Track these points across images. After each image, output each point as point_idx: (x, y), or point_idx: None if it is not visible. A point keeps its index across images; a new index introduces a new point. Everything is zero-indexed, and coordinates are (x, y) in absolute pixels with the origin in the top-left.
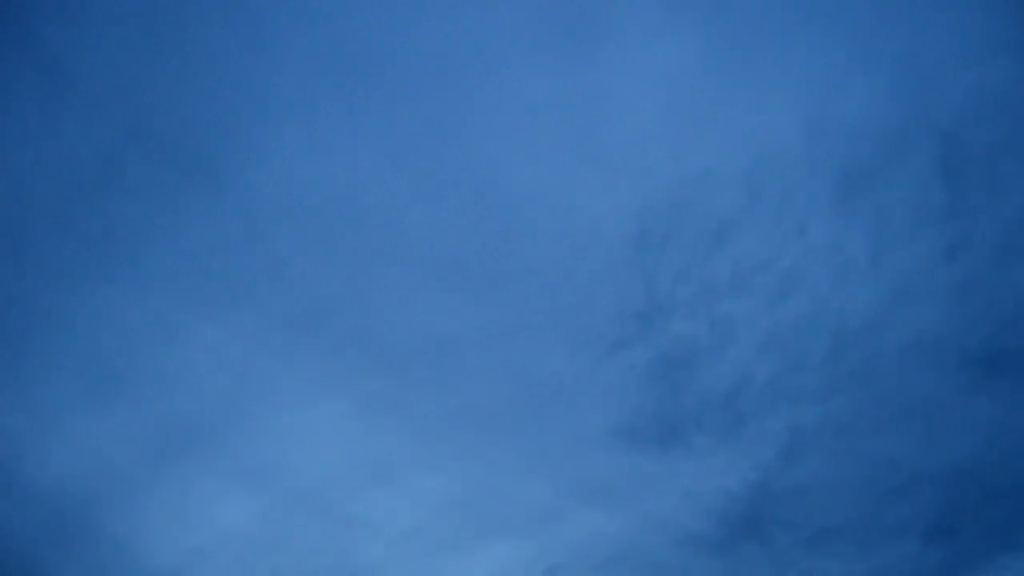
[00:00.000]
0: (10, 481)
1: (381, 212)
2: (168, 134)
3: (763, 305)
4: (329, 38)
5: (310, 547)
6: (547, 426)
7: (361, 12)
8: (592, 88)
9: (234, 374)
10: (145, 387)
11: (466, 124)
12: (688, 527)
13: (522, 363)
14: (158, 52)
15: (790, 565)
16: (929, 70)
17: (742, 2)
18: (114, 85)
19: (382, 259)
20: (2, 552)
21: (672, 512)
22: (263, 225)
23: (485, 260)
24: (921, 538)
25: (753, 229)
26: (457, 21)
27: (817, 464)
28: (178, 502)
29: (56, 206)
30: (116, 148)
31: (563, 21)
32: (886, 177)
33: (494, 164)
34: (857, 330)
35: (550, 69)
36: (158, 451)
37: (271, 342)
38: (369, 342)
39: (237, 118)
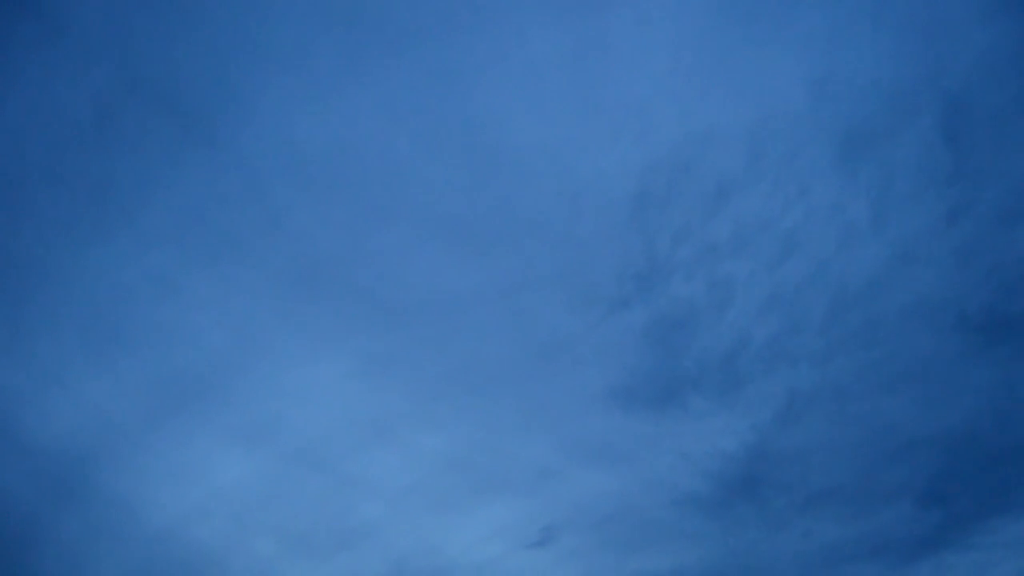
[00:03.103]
0: (10, 437)
1: (380, 168)
2: (164, 87)
3: (763, 266)
4: None
5: (309, 504)
6: (546, 386)
7: None
8: (596, 44)
9: (233, 331)
10: (144, 343)
11: (467, 78)
12: (685, 487)
13: (521, 322)
14: (153, 3)
15: (785, 526)
16: (937, 30)
17: None
18: (108, 37)
19: (382, 215)
20: (3, 508)
21: (669, 472)
22: (261, 180)
23: (485, 218)
24: (916, 501)
25: (755, 189)
26: None
27: (814, 426)
28: (178, 458)
29: (51, 161)
30: (111, 102)
31: None
32: (890, 139)
33: (495, 120)
34: (857, 293)
35: (554, 22)
36: (157, 407)
37: (270, 298)
38: (369, 299)
39: (234, 70)
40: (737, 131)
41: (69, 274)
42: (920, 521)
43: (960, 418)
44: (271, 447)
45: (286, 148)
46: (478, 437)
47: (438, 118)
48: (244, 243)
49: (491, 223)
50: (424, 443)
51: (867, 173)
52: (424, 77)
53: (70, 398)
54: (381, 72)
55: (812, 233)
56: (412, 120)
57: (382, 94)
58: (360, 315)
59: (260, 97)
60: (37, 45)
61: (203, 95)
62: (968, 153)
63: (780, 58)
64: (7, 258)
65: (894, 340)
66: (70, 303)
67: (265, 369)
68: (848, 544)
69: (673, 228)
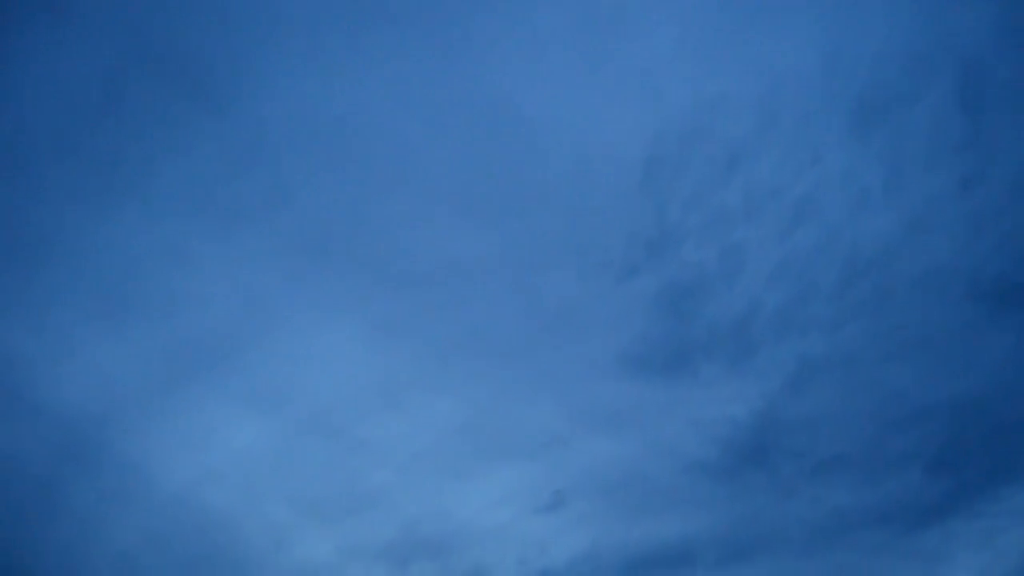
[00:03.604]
0: (24, 403)
1: (389, 135)
2: (172, 59)
3: (775, 234)
4: None
5: (320, 469)
6: (555, 352)
7: None
8: (606, 12)
9: (244, 298)
10: (155, 310)
11: (477, 47)
12: (694, 454)
13: (531, 289)
14: None
15: (794, 493)
16: None
17: None
18: (117, 9)
19: (390, 183)
20: (19, 472)
21: (678, 439)
22: (270, 149)
23: (494, 185)
24: (924, 469)
25: (767, 156)
26: None
27: (824, 394)
28: (189, 424)
29: (61, 131)
30: (120, 74)
31: None
32: (904, 105)
33: (505, 88)
34: (869, 260)
35: None
36: (169, 374)
37: (280, 266)
38: (378, 267)
39: (243, 42)
40: (749, 98)
41: (81, 244)
42: (928, 489)
43: (970, 386)
44: (282, 413)
45: (295, 118)
46: (488, 403)
47: (447, 87)
48: (254, 212)
49: (500, 191)
50: (434, 409)
51: (880, 140)
52: (433, 47)
53: (83, 365)
54: (390, 43)
55: (824, 200)
56: (421, 90)
57: (391, 65)
58: (370, 283)
59: (269, 68)
60: (45, 18)
61: (211, 66)
62: (983, 120)
63: (793, 24)
64: (20, 229)
65: (905, 308)
66: (82, 272)
67: (276, 336)
68: (856, 511)
69: (684, 195)
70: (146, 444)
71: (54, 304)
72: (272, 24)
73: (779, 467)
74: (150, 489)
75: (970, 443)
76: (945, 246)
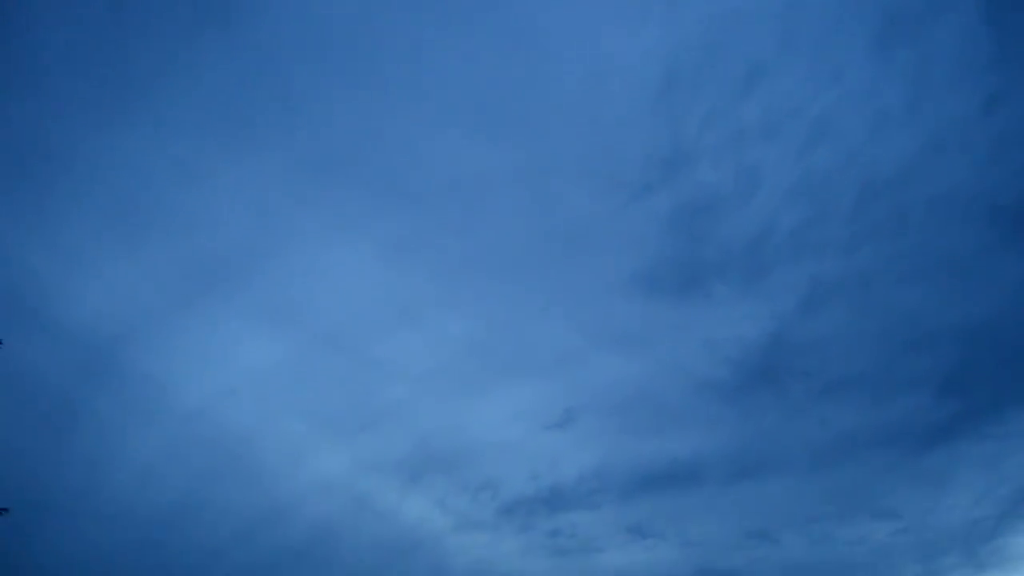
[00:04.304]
0: (42, 321)
1: (401, 49)
2: None
3: (792, 153)
4: None
5: (335, 386)
6: (569, 271)
7: None
8: None
9: (256, 215)
10: (168, 228)
11: None
12: (704, 374)
13: (545, 207)
14: None
15: (803, 413)
16: None
17: None
18: None
19: (403, 97)
20: (42, 389)
21: (689, 359)
22: (279, 62)
23: (509, 100)
24: (934, 391)
25: (786, 73)
26: None
27: (836, 316)
28: (205, 340)
29: (69, 48)
30: None
31: None
32: (930, 22)
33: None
34: (888, 181)
35: None
36: (183, 291)
37: (293, 182)
38: (391, 182)
39: None
40: (770, 11)
41: (92, 160)
42: (936, 411)
43: (984, 310)
44: (297, 330)
45: (303, 28)
46: (501, 321)
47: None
48: (264, 128)
49: (515, 105)
50: (447, 326)
51: (904, 57)
52: None
53: (98, 282)
54: None
55: (844, 119)
56: (435, 1)
57: None
58: (382, 198)
59: None
60: None
61: None
62: (1010, 37)
63: None
64: (30, 145)
65: (922, 230)
66: (94, 189)
67: (289, 253)
68: (863, 432)
69: (701, 112)
70: (164, 361)
71: (69, 223)
72: None
73: (789, 388)
74: (169, 404)
75: (981, 366)
76: (966, 168)
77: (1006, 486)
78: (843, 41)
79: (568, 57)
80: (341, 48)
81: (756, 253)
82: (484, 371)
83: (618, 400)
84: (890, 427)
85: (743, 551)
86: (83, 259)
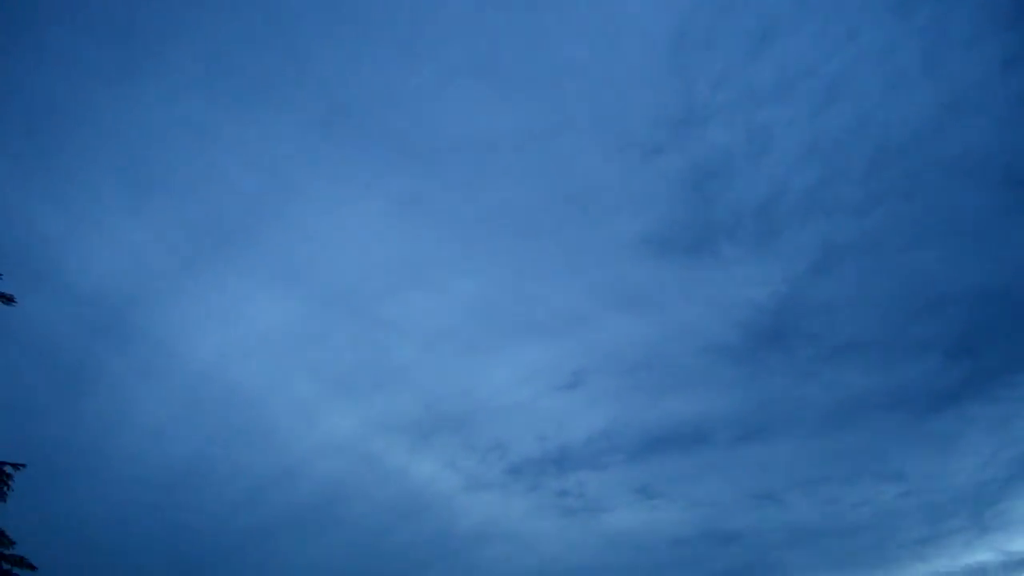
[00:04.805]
0: (54, 282)
1: (410, 4)
2: None
3: (805, 113)
4: None
5: (345, 346)
6: (579, 231)
7: None
8: None
9: (266, 175)
10: (178, 187)
11: None
12: (713, 336)
13: (555, 167)
14: None
15: (811, 376)
16: None
17: None
18: None
19: (412, 55)
20: (54, 348)
21: (699, 320)
22: (286, 19)
23: (520, 58)
24: (944, 354)
25: (800, 31)
26: None
27: (847, 278)
28: (215, 301)
29: (76, 5)
30: None
31: None
32: None
33: None
34: (902, 143)
35: None
36: (194, 251)
37: (301, 141)
38: (400, 142)
39: None
40: None
41: (101, 118)
42: (946, 374)
43: (995, 273)
44: (306, 290)
45: None
46: (510, 282)
47: None
48: (272, 86)
49: (525, 64)
50: (457, 287)
51: (921, 15)
52: None
53: (109, 242)
54: None
55: (858, 79)
56: None
57: None
58: (392, 158)
59: None
60: None
61: None
62: None
63: None
64: (39, 102)
65: (936, 193)
66: (103, 148)
67: (298, 213)
68: (872, 394)
69: (713, 72)
70: (174, 321)
71: (77, 180)
72: None
73: (797, 350)
74: (180, 364)
75: (992, 330)
76: (981, 130)
77: (1014, 449)
78: None
79: (579, 15)
80: (350, 5)
81: (767, 215)
82: (493, 332)
83: (627, 362)
84: (898, 390)
85: (749, 512)
86: (93, 219)
